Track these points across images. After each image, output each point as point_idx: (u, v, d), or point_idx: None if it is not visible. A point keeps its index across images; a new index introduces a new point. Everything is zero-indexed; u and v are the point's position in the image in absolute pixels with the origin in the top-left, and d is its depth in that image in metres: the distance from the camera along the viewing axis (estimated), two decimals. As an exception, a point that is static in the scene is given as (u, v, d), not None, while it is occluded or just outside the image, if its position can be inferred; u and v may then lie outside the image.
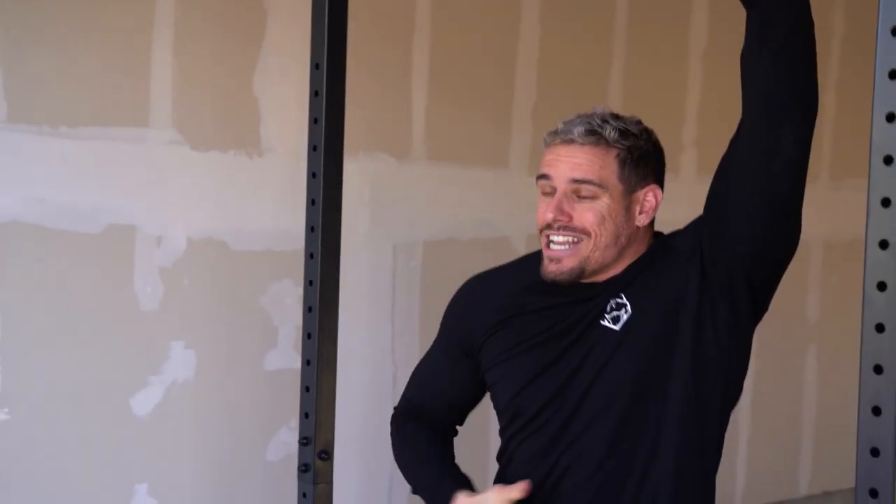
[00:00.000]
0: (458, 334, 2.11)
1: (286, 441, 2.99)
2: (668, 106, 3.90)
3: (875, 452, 1.41)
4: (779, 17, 1.66)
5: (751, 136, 1.75)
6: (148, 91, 2.80)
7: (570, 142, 1.90)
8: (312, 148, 2.25)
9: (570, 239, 1.88)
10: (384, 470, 3.30)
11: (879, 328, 1.40)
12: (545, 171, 1.90)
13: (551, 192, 1.89)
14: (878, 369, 1.40)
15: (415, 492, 2.15)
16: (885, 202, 1.38)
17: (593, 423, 1.91)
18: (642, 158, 1.92)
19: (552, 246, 1.90)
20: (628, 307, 1.91)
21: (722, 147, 1.86)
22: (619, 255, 1.93)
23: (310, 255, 2.27)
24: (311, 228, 2.27)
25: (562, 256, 1.89)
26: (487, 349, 2.02)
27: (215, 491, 2.99)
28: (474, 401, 2.15)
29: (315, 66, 2.24)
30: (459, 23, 3.26)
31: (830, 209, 4.44)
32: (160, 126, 2.83)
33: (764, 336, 4.33)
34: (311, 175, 2.25)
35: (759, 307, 1.92)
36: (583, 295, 1.93)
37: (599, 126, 1.89)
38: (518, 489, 1.87)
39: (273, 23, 2.98)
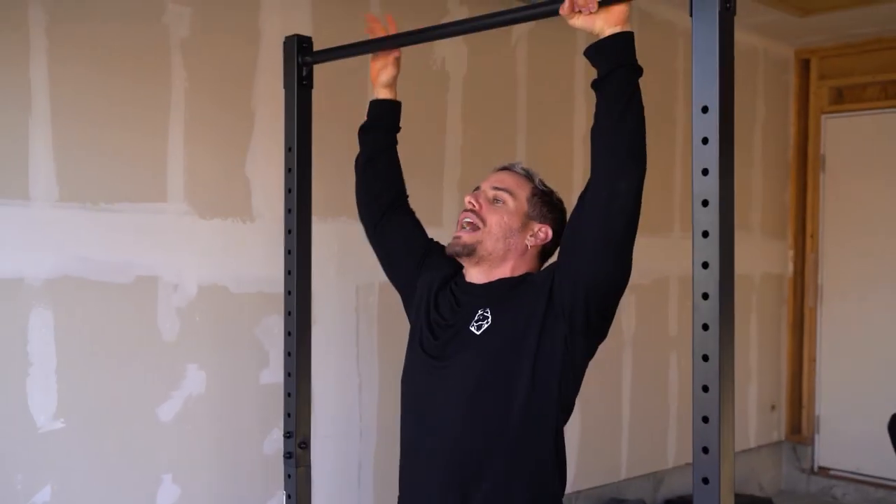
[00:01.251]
0: (427, 253, 2.14)
1: (277, 438, 2.96)
2: (559, 181, 3.94)
3: (705, 420, 1.43)
4: (617, 98, 1.68)
5: (596, 188, 1.72)
6: (165, 175, 2.79)
7: (508, 169, 1.99)
8: (287, 211, 2.26)
9: (472, 220, 1.91)
10: (353, 456, 3.29)
11: (705, 327, 1.42)
12: (480, 183, 2.00)
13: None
14: (704, 358, 1.42)
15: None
16: (705, 234, 1.41)
17: (447, 407, 1.87)
18: (549, 205, 1.97)
19: (460, 230, 1.94)
20: (489, 319, 1.87)
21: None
22: (504, 258, 1.93)
23: (288, 292, 2.27)
24: (288, 272, 2.27)
25: (462, 235, 1.92)
26: (422, 277, 2.08)
27: (224, 477, 2.94)
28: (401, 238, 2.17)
29: (288, 149, 2.26)
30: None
31: (682, 252, 4.49)
32: (175, 201, 2.81)
33: (638, 346, 4.41)
34: (288, 231, 2.26)
35: (593, 331, 1.83)
36: (470, 293, 1.95)
37: (531, 173, 1.99)
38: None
39: (258, 121, 2.99)
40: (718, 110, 1.38)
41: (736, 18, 1.44)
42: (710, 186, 1.39)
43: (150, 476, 2.78)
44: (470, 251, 1.92)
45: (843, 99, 5.39)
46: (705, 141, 1.39)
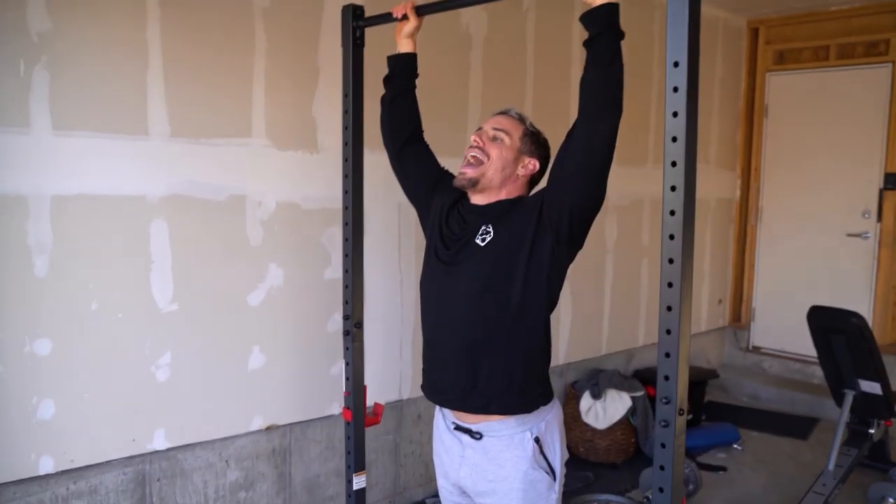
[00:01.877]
0: (440, 179, 2.09)
1: (337, 320, 3.00)
2: (558, 122, 3.88)
3: (669, 309, 1.42)
4: (602, 56, 1.64)
5: (581, 127, 1.68)
6: (251, 117, 2.77)
7: (505, 113, 1.93)
8: (345, 143, 2.24)
9: (477, 155, 1.88)
10: (396, 335, 3.33)
11: (671, 237, 1.41)
12: (482, 124, 1.94)
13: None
14: (670, 261, 1.41)
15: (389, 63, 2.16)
16: (673, 164, 1.39)
17: (458, 303, 1.86)
18: (537, 143, 1.91)
19: (465, 164, 1.90)
20: (491, 233, 1.84)
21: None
22: (501, 185, 1.89)
23: (345, 208, 2.26)
24: (345, 191, 2.26)
25: (467, 170, 1.88)
26: (435, 199, 2.05)
27: (298, 349, 2.99)
28: (417, 161, 2.13)
29: (345, 95, 2.22)
30: (436, 71, 3.24)
31: (654, 180, 4.45)
32: (258, 136, 2.79)
33: (618, 254, 4.39)
34: (345, 160, 2.25)
35: (574, 241, 1.79)
36: (474, 213, 1.92)
37: (523, 116, 1.93)
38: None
39: (322, 73, 2.94)
40: (687, 65, 1.34)
41: (701, -7, 1.39)
42: (678, 126, 1.36)
43: (243, 347, 2.83)
44: (473, 184, 1.89)
45: (783, 60, 5.24)
46: (675, 90, 1.35)
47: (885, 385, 3.46)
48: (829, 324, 3.49)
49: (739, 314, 5.54)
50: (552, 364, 4.09)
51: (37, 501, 2.36)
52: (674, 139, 1.37)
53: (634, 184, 4.46)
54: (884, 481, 3.48)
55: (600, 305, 4.40)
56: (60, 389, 2.39)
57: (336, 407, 3.09)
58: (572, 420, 3.98)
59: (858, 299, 4.94)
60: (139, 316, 2.55)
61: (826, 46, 5.03)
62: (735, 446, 4.23)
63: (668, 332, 1.41)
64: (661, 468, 1.43)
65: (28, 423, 2.34)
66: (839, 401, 3.58)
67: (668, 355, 1.41)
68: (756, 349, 5.45)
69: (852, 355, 3.43)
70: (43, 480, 2.37)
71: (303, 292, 2.97)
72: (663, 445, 1.42)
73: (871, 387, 3.46)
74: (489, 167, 1.88)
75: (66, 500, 2.42)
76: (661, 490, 1.44)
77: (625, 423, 3.96)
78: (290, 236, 2.92)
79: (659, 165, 4.58)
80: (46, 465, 2.37)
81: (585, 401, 3.94)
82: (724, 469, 3.92)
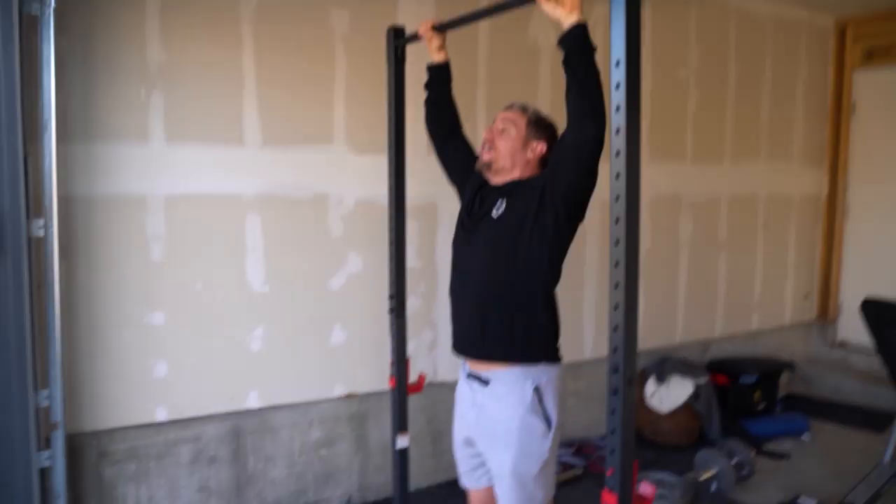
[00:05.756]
0: (467, 170, 2.19)
1: (412, 302, 3.09)
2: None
3: (616, 286, 1.42)
4: (577, 70, 1.71)
5: (570, 134, 1.78)
6: (332, 125, 2.94)
7: (510, 108, 2.03)
8: (389, 146, 2.35)
9: (489, 149, 2.00)
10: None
11: (616, 220, 1.41)
12: (495, 120, 2.04)
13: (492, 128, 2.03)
14: (616, 243, 1.41)
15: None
16: (617, 153, 1.39)
17: (474, 265, 1.98)
18: (541, 127, 2.01)
19: (482, 152, 2.03)
20: (503, 206, 1.95)
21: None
22: (512, 167, 2.00)
23: (390, 201, 2.39)
24: (390, 188, 2.38)
25: (484, 155, 2.01)
26: (468, 181, 2.16)
27: (373, 327, 3.07)
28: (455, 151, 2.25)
29: (389, 104, 2.33)
30: (506, 79, 3.26)
31: (731, 178, 4.26)
32: (339, 143, 2.96)
33: (693, 248, 4.19)
34: (389, 161, 2.38)
35: (572, 217, 1.89)
36: (493, 191, 2.02)
37: (526, 108, 2.02)
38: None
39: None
40: (625, 63, 1.34)
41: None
42: (620, 118, 1.37)
43: (325, 324, 3.01)
44: (489, 167, 2.03)
45: (872, 57, 4.84)
46: (618, 86, 1.37)
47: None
48: (883, 315, 3.23)
49: (827, 309, 5.17)
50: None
51: (152, 444, 2.66)
52: (617, 130, 1.37)
53: (711, 182, 4.29)
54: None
55: (674, 296, 4.26)
56: (171, 353, 2.67)
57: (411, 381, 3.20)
58: (638, 403, 3.90)
59: (950, 295, 4.48)
60: (236, 295, 2.79)
61: (918, 43, 4.62)
62: (803, 437, 3.98)
63: (616, 307, 1.41)
64: (612, 432, 1.43)
65: (147, 379, 2.63)
66: (904, 393, 3.30)
67: (616, 329, 1.42)
68: (843, 344, 5.07)
69: (913, 347, 3.16)
70: (157, 427, 2.67)
71: (378, 278, 3.04)
72: (613, 412, 1.43)
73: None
74: (499, 155, 2.01)
75: (174, 444, 2.70)
76: (611, 452, 1.44)
77: (689, 408, 3.83)
78: (368, 229, 3.05)
79: (737, 164, 4.39)
80: (161, 415, 2.66)
81: (650, 385, 3.86)
82: (786, 457, 3.71)
